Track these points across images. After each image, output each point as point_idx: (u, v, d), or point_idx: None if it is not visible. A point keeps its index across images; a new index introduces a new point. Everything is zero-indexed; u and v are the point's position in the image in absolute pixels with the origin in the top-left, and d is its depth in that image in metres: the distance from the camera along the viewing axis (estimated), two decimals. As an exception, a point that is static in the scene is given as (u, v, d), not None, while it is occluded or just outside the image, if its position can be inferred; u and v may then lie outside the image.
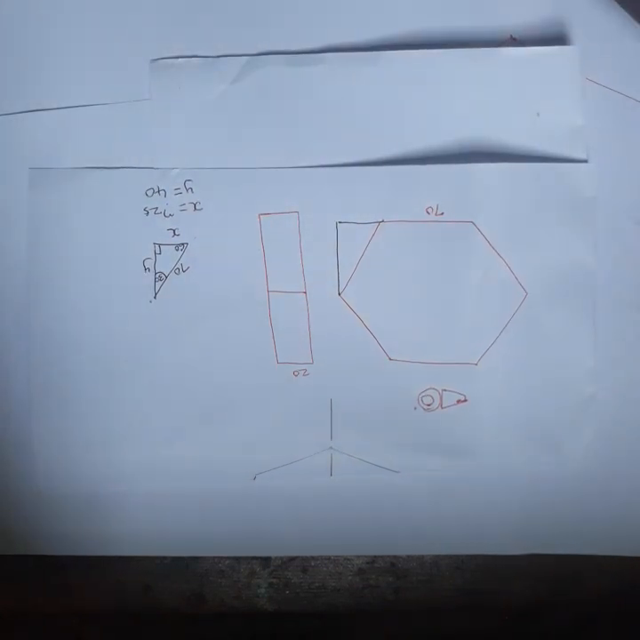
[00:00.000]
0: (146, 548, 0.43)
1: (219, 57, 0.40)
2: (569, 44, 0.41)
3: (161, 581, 0.44)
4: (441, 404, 0.41)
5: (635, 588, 0.44)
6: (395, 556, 0.44)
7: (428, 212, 0.40)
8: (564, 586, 0.44)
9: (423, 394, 0.41)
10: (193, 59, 0.40)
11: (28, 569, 0.43)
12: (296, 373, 0.41)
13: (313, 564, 0.44)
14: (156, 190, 0.40)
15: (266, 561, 0.44)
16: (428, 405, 0.41)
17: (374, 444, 0.42)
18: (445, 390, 0.41)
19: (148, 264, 0.40)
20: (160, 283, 0.41)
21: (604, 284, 0.42)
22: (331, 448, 0.42)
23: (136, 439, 0.41)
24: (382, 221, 0.40)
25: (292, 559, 0.44)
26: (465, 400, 0.41)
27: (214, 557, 0.44)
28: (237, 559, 0.44)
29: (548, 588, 0.44)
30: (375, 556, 0.44)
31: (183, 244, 0.40)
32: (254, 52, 0.40)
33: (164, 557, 0.43)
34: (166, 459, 0.41)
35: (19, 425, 0.41)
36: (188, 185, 0.40)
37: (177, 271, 0.40)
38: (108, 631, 0.44)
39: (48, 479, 0.42)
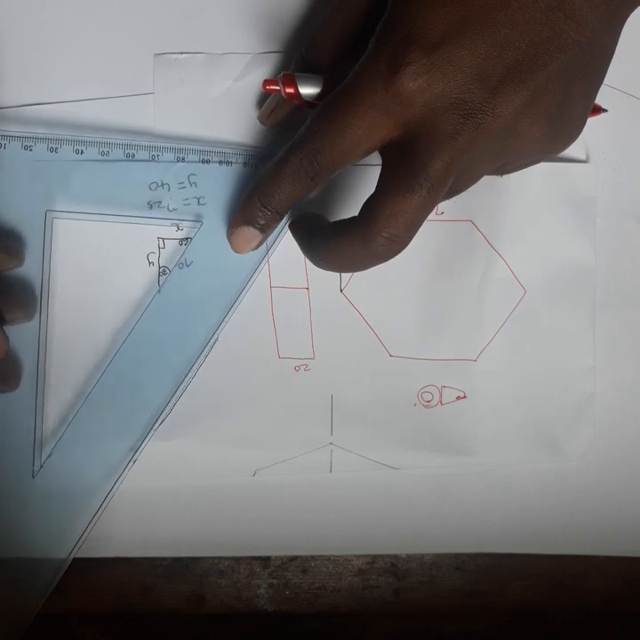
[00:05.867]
0: (146, 549, 0.43)
1: (223, 54, 0.40)
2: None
3: (161, 582, 0.43)
4: (440, 401, 0.42)
5: (635, 589, 0.44)
6: (395, 556, 0.44)
7: None
8: (564, 586, 0.44)
9: (423, 390, 0.42)
10: (197, 55, 0.40)
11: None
12: (297, 368, 0.41)
13: (313, 564, 0.44)
14: (160, 184, 0.40)
15: (266, 561, 0.44)
16: (428, 402, 0.42)
17: (374, 441, 0.42)
18: (445, 387, 0.42)
19: (153, 258, 0.41)
20: (164, 277, 0.41)
21: (604, 282, 0.42)
22: (331, 443, 0.42)
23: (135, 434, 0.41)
24: None
25: (292, 559, 0.44)
26: (464, 396, 0.42)
27: (214, 557, 0.43)
28: (237, 559, 0.44)
29: (548, 588, 0.44)
30: (375, 556, 0.44)
31: (187, 238, 0.41)
32: (258, 51, 0.40)
33: (164, 558, 0.43)
34: (166, 454, 0.41)
35: (18, 423, 0.41)
36: (192, 179, 0.40)
37: (180, 265, 0.40)
38: (107, 631, 0.44)
39: (48, 478, 0.42)
